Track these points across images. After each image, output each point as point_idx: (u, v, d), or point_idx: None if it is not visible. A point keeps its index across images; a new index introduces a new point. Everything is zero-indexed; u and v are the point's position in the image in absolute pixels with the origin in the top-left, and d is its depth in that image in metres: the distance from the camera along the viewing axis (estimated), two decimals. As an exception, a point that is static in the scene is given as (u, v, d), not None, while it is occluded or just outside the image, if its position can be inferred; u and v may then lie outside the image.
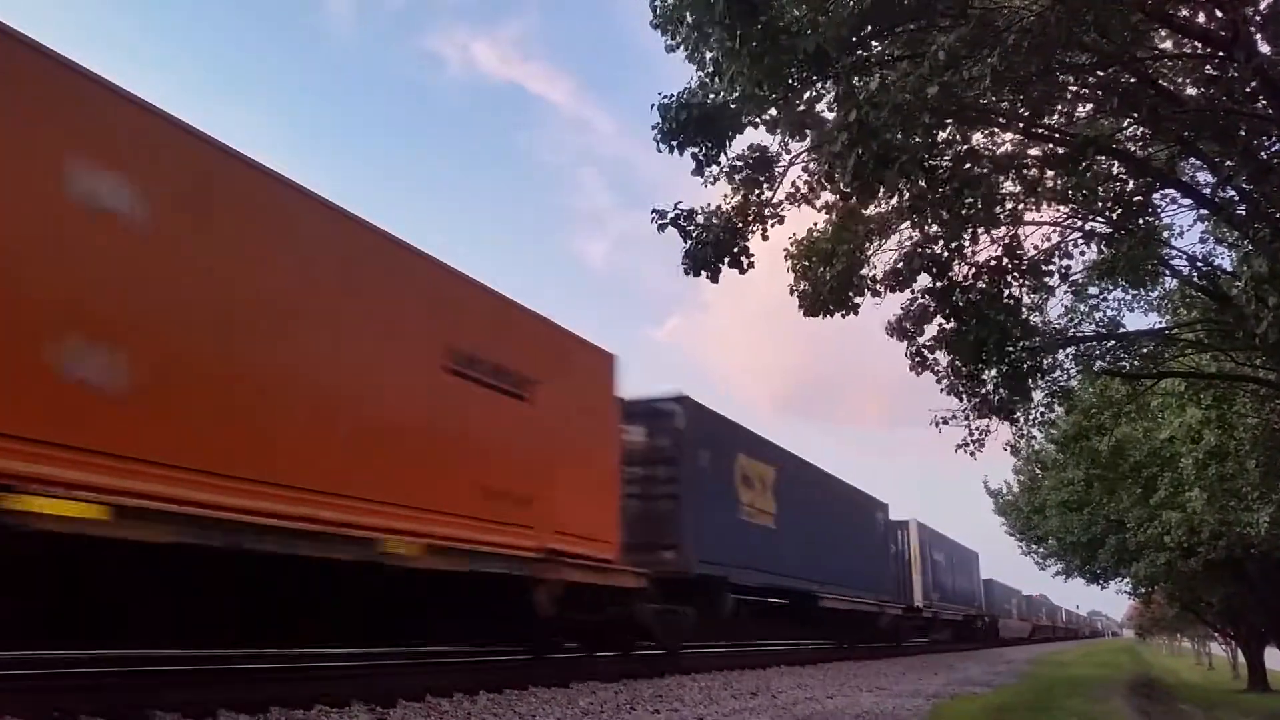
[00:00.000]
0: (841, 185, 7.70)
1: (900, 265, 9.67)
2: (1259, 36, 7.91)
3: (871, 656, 26.13)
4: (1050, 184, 9.86)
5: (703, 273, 9.08)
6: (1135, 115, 8.92)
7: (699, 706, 11.31)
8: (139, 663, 9.67)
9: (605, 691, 12.02)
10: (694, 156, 8.34)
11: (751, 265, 9.12)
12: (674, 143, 8.11)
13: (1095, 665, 32.92)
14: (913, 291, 9.97)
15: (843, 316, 9.98)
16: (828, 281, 9.55)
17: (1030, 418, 12.53)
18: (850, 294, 9.74)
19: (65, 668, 9.17)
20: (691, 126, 8.00)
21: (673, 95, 8.05)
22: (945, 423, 11.73)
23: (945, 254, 9.61)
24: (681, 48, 7.66)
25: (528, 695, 10.87)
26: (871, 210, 9.37)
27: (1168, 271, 11.71)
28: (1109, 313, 12.59)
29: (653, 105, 8.10)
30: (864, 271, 9.80)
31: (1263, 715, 25.68)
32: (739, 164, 8.87)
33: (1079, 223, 10.76)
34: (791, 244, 10.00)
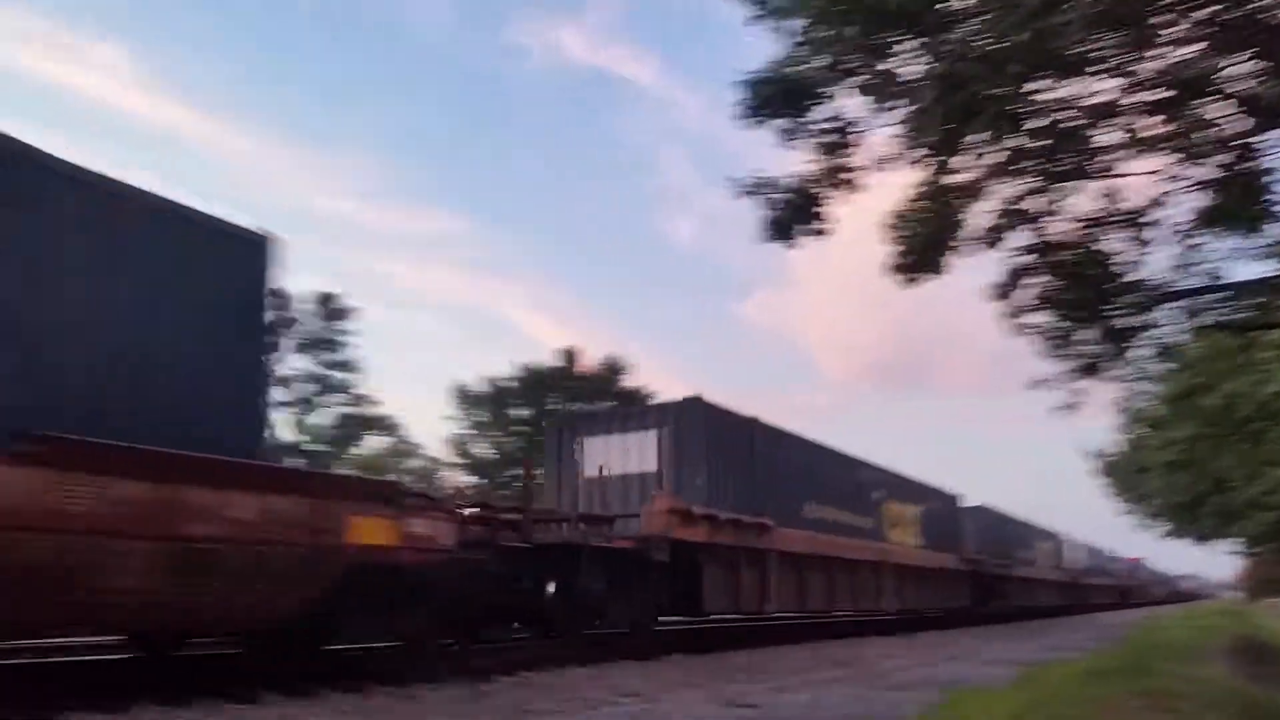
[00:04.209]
0: (929, 140, 7.46)
1: (992, 223, 9.35)
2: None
3: (961, 624, 25.88)
4: (1151, 131, 9.36)
5: (781, 239, 9.04)
6: (1242, 52, 8.40)
7: (788, 677, 11.28)
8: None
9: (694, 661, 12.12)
10: (779, 128, 8.29)
11: (830, 232, 9.05)
12: (760, 116, 8.03)
13: (1196, 629, 31.84)
14: (1007, 251, 9.63)
15: (934, 279, 9.73)
16: (918, 243, 9.29)
17: (1134, 376, 12.00)
18: (941, 255, 9.46)
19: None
20: (777, 99, 7.89)
21: (759, 71, 7.98)
22: (1042, 386, 11.30)
23: (1040, 210, 9.26)
24: (766, 19, 7.50)
25: (613, 669, 11.03)
26: (961, 169, 9.05)
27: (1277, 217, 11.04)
28: (1216, 263, 11.93)
29: (739, 80, 8.06)
30: (956, 232, 9.49)
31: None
32: (821, 130, 8.71)
33: (1182, 170, 10.20)
34: (890, 213, 9.77)
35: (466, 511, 11.56)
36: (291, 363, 30.86)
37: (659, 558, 13.74)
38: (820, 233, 8.97)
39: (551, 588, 12.25)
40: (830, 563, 20.05)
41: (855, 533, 21.57)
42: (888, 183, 8.98)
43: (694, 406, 16.84)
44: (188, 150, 74.69)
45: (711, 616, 16.24)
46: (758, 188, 8.88)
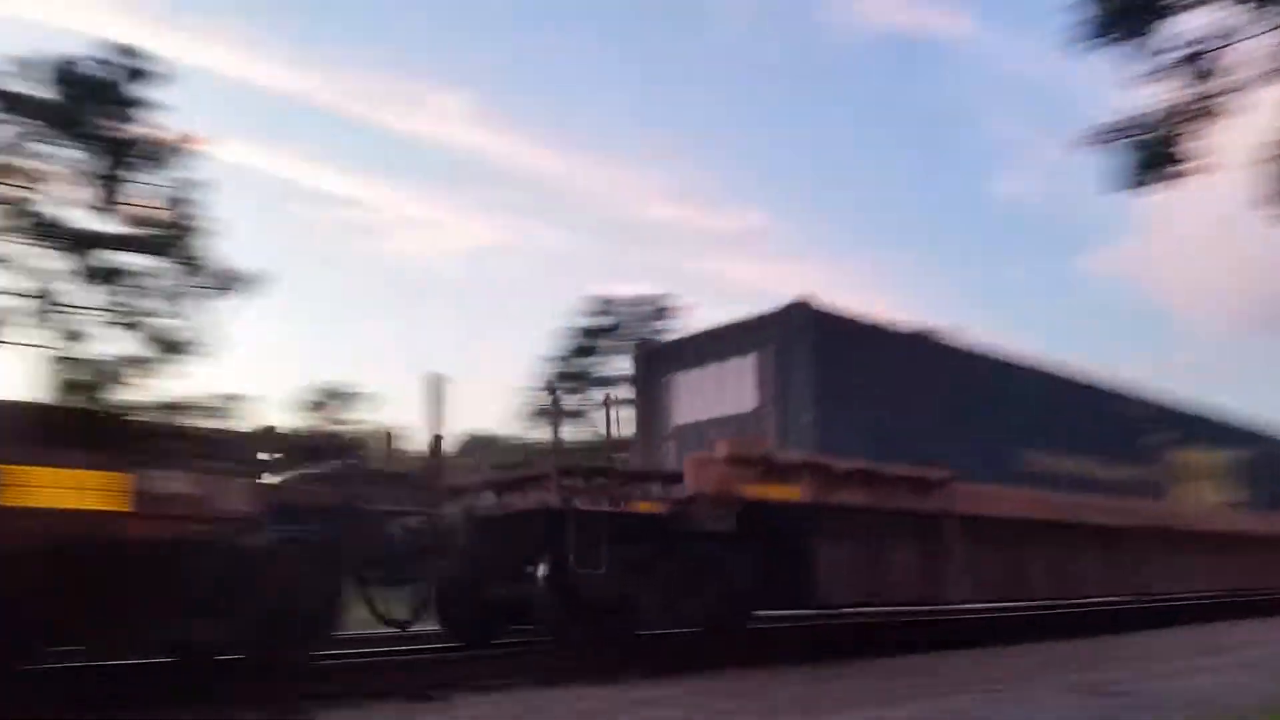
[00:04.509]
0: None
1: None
2: None
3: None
4: None
5: (1136, 186, 8.35)
6: None
7: (1152, 663, 10.38)
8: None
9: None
10: (1124, 52, 7.67)
11: (1194, 172, 8.21)
12: (1106, 38, 7.44)
13: None
14: None
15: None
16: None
17: None
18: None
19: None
20: (1126, 15, 7.27)
21: None
22: None
23: None
24: None
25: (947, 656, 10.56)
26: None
27: None
28: None
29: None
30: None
31: None
32: (1177, 54, 7.97)
33: None
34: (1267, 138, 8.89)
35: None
36: (618, 365, 33.57)
37: (716, 528, 9.99)
38: (1181, 174, 8.20)
39: (542, 571, 9.27)
40: (1064, 531, 14.54)
41: (1116, 490, 16.06)
42: (1257, 106, 8.06)
43: (798, 315, 12.14)
44: (528, 181, 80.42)
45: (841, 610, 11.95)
46: (1104, 133, 8.23)
